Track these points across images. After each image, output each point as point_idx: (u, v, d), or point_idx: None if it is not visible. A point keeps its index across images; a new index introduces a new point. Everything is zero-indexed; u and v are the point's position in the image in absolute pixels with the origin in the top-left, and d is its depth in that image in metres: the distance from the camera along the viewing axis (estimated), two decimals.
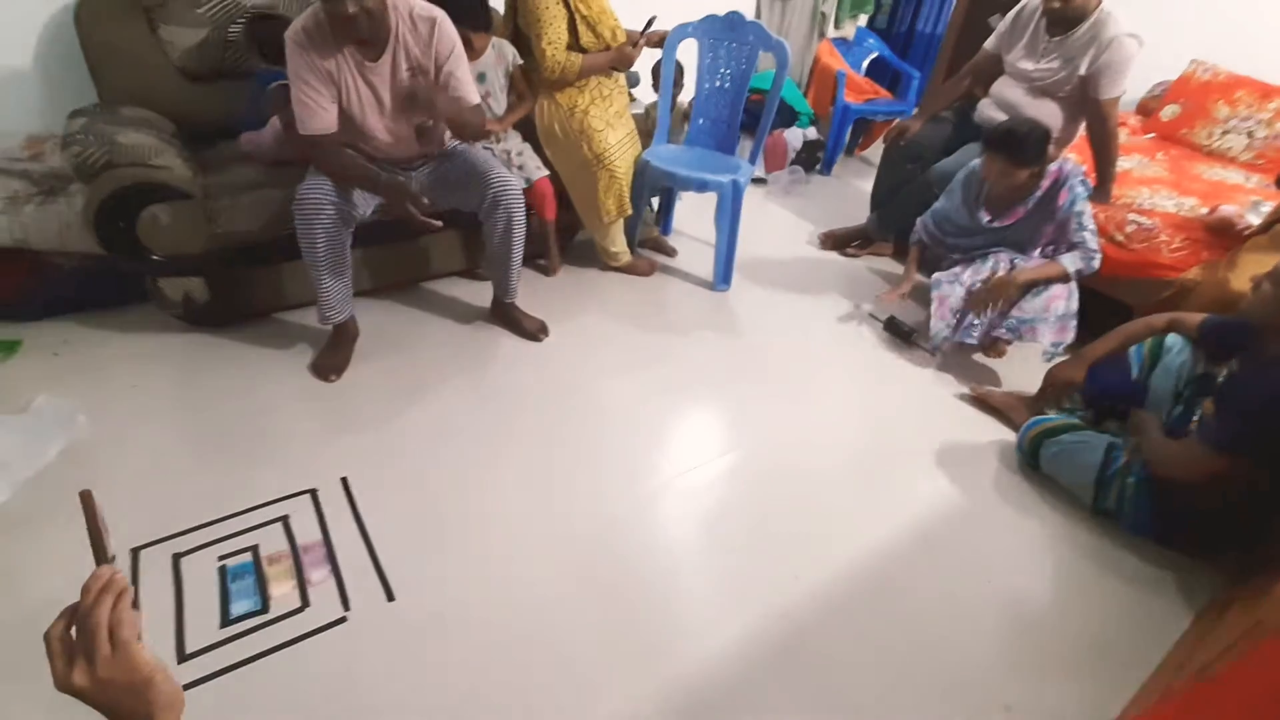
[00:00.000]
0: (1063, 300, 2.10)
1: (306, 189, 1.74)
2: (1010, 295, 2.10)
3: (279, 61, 2.03)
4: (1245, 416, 1.44)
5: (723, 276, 2.62)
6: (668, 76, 2.57)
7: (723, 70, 2.59)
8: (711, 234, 2.61)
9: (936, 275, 2.31)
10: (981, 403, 2.12)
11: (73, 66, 2.04)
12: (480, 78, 2.18)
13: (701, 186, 2.45)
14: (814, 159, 3.77)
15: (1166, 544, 1.67)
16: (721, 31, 2.52)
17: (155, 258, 1.84)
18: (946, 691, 1.33)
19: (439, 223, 1.77)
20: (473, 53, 2.07)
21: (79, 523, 0.61)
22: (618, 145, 2.32)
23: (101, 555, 0.61)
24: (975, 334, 2.19)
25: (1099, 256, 2.06)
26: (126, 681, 0.57)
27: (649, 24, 2.27)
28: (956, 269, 2.27)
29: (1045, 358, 2.14)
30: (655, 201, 2.91)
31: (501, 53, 2.22)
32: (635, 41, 2.27)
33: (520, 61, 2.25)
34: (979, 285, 2.17)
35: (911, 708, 1.30)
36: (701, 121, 2.70)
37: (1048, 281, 2.08)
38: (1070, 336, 2.12)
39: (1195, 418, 1.66)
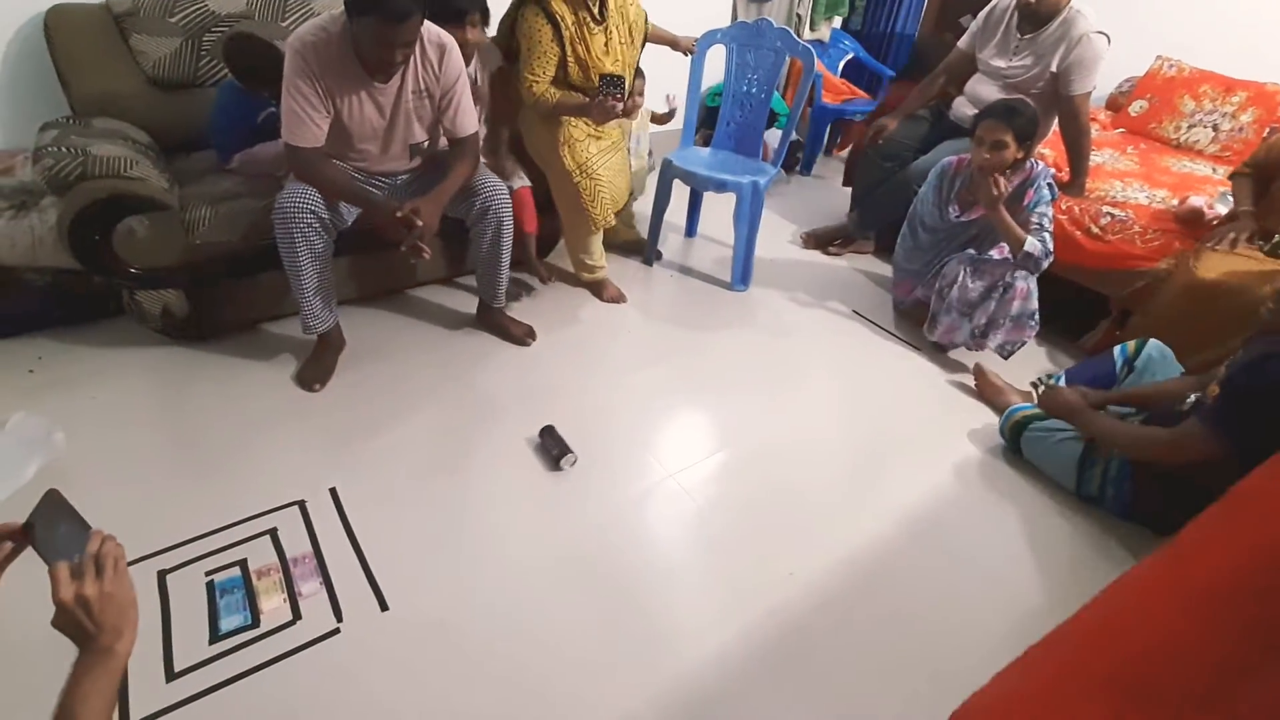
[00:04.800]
0: (1019, 301, 2.12)
1: (286, 197, 1.71)
2: (991, 194, 2.05)
3: (258, 86, 2.00)
4: (1244, 401, 1.43)
5: (740, 277, 2.66)
6: (695, 79, 2.63)
7: (750, 75, 2.64)
8: (689, 236, 2.63)
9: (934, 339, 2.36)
10: (979, 380, 2.17)
11: (43, 79, 2.00)
12: None
13: (720, 187, 2.50)
14: (794, 159, 3.80)
15: (1149, 526, 1.70)
16: (749, 37, 2.59)
17: (132, 271, 1.81)
18: (938, 680, 1.34)
19: (428, 252, 1.74)
20: (466, 49, 1.96)
21: None
22: (599, 154, 2.30)
23: (86, 526, 0.81)
24: (960, 338, 2.26)
25: (1050, 258, 2.05)
26: (120, 598, 0.76)
27: (606, 84, 2.00)
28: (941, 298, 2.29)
29: (1001, 354, 2.23)
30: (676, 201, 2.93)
31: (484, 60, 2.20)
32: (594, 98, 2.08)
33: (500, 64, 2.21)
34: (946, 288, 2.22)
35: (904, 698, 1.31)
36: (729, 125, 2.76)
37: (1008, 242, 2.07)
38: (1028, 336, 2.18)
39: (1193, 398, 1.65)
